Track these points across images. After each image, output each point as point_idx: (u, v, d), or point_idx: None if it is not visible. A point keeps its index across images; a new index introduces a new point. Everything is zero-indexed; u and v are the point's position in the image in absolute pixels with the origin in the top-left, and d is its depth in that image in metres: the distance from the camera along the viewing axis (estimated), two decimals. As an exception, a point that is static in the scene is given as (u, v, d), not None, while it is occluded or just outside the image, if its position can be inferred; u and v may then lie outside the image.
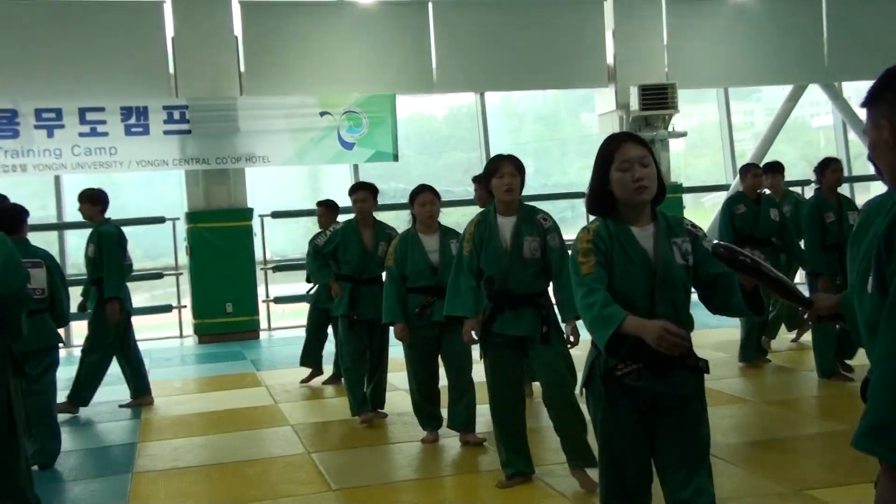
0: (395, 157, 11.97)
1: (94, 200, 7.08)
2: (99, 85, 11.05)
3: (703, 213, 14.68)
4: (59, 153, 10.84)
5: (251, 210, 11.60)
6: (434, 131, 15.72)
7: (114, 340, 7.08)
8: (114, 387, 7.56)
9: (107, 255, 6.92)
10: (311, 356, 7.95)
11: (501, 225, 4.55)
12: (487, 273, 4.54)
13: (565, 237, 4.56)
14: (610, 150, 2.83)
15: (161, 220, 11.64)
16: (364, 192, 6.37)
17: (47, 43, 10.93)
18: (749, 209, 7.43)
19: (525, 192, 4.66)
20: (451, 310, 4.71)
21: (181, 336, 11.69)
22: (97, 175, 11.13)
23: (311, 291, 7.99)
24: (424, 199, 5.53)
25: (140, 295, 12.19)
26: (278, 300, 11.76)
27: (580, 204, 13.26)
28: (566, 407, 4.47)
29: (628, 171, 2.78)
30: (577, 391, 4.27)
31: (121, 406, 7.29)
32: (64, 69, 10.93)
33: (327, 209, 7.84)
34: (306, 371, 7.97)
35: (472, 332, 4.70)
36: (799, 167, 12.90)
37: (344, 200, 6.97)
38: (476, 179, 7.05)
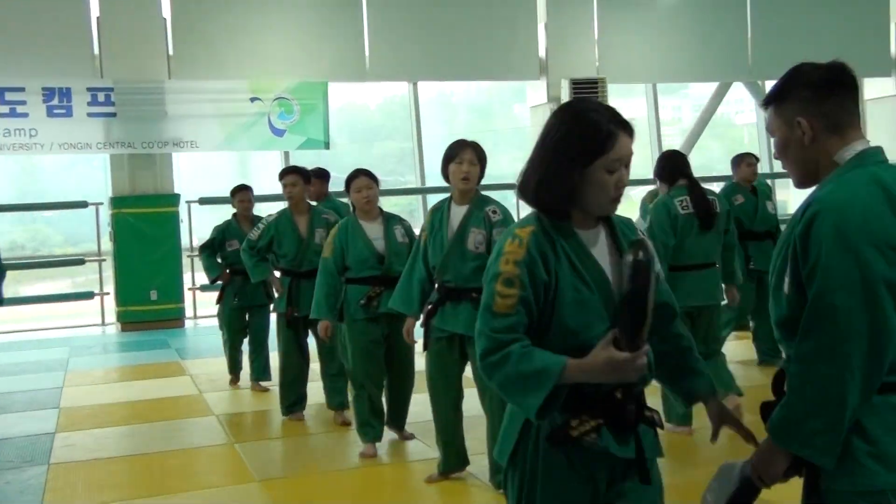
0: (327, 145, 11.87)
1: None
2: (20, 64, 10.68)
3: (631, 205, 14.94)
4: (-25, 134, 10.48)
5: (178, 196, 11.39)
6: (367, 120, 15.66)
7: None
8: (35, 375, 7.38)
9: None
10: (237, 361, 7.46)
11: (453, 213, 4.38)
12: (432, 263, 4.40)
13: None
14: (603, 140, 2.08)
15: (84, 204, 11.34)
16: (294, 175, 6.09)
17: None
18: (748, 200, 7.01)
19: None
20: (395, 303, 4.60)
21: (103, 324, 11.42)
22: (17, 156, 10.80)
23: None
24: (360, 184, 5.16)
25: (61, 281, 11.91)
26: (204, 288, 11.58)
27: (511, 195, 13.38)
28: (497, 410, 4.10)
29: (614, 174, 2.10)
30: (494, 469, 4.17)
31: None
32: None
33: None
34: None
35: (412, 331, 4.59)
36: (723, 163, 13.21)
37: (274, 188, 6.89)
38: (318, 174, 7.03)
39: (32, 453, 5.51)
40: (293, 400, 6.12)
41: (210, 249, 7.23)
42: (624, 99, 13.43)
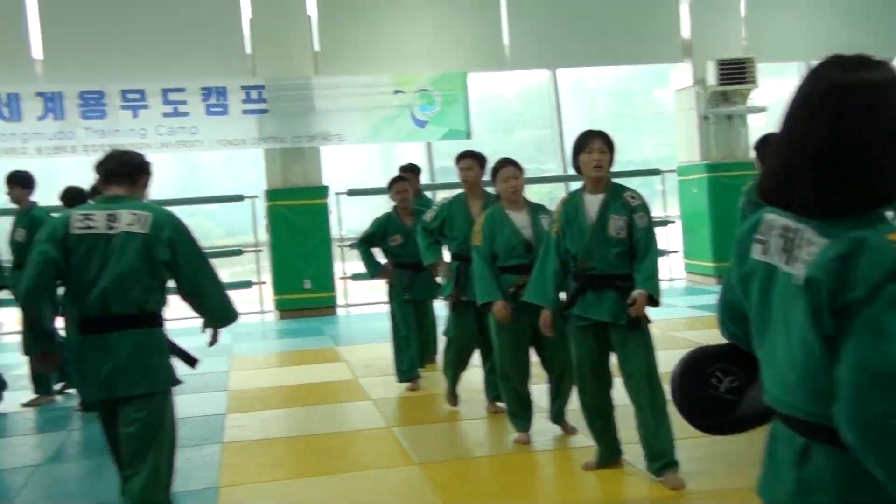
0: (468, 135, 12.01)
1: (24, 184, 6.88)
2: (181, 66, 11.32)
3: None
4: (143, 133, 11.17)
5: (326, 188, 11.79)
6: (506, 109, 15.72)
7: None
8: (204, 359, 7.80)
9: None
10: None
11: (588, 202, 4.41)
12: (572, 252, 4.42)
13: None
14: None
15: (240, 197, 11.91)
16: (470, 159, 5.84)
17: (131, 26, 11.23)
18: None
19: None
20: (530, 296, 4.65)
21: (262, 311, 12.00)
22: (179, 154, 11.45)
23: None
24: (507, 173, 5.14)
25: (222, 271, 12.52)
26: (355, 277, 11.95)
27: (656, 181, 13.16)
28: (646, 400, 4.31)
29: None
30: None
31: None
32: (147, 51, 11.22)
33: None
34: (383, 347, 7.96)
35: (550, 322, 4.57)
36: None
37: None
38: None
39: (208, 433, 5.88)
40: (452, 384, 6.07)
41: (367, 244, 6.92)
42: (775, 79, 12.93)
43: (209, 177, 13.21)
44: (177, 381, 3.66)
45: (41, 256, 3.44)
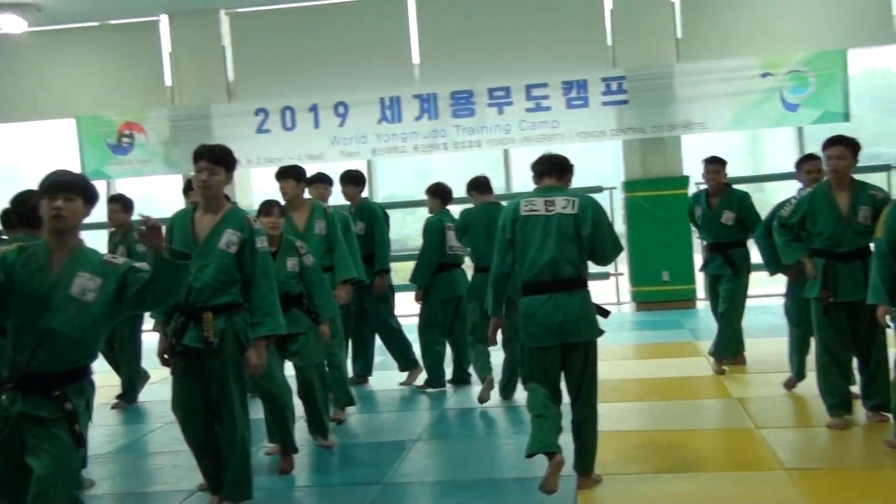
0: (846, 117, 11.02)
1: (357, 181, 7.33)
2: (543, 62, 11.65)
3: None
4: (507, 128, 11.67)
5: (687, 178, 11.47)
6: (889, 86, 14.17)
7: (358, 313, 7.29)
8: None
9: (378, 230, 7.27)
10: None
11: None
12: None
13: None
14: None
15: (598, 189, 11.99)
16: (841, 146, 5.28)
17: (498, 26, 11.79)
18: None
19: None
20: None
21: (618, 303, 11.99)
22: (540, 148, 11.79)
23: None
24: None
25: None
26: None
27: None
28: None
29: None
30: None
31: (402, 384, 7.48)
32: (512, 49, 11.70)
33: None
34: (748, 342, 7.59)
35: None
36: None
37: (787, 167, 6.56)
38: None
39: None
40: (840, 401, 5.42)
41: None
42: None
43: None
44: (601, 332, 4.56)
45: (501, 234, 4.53)
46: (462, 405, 6.77)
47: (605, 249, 4.46)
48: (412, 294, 7.41)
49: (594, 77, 11.49)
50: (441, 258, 7.11)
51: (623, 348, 8.79)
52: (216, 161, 4.24)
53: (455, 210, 7.27)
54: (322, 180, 6.96)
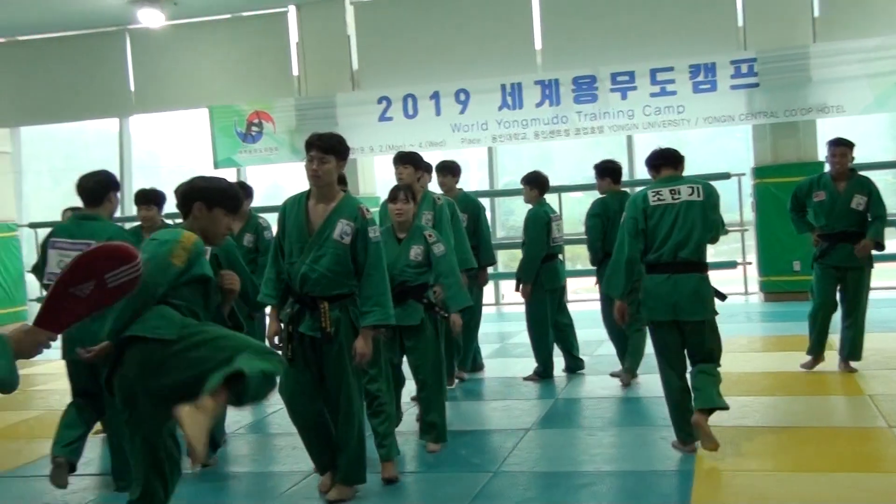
0: None
1: (454, 172, 7.23)
2: (669, 46, 11.34)
3: None
4: (631, 114, 11.42)
5: (822, 164, 10.91)
6: None
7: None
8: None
9: (483, 224, 7.21)
10: None
11: None
12: None
13: None
14: None
15: (726, 175, 11.58)
16: None
17: (622, 9, 11.54)
18: None
19: None
20: None
21: (746, 293, 11.58)
22: (665, 133, 11.50)
23: None
24: None
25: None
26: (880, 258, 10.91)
27: None
28: None
29: None
30: None
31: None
32: (636, 33, 11.44)
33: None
34: (886, 337, 7.21)
35: None
36: None
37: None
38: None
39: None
40: None
41: None
42: None
43: (693, 155, 13.04)
44: (716, 312, 4.90)
45: (632, 223, 4.88)
46: (575, 395, 6.70)
47: (718, 231, 4.98)
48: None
49: (723, 60, 11.10)
50: (547, 250, 7.06)
51: (749, 340, 8.49)
52: (326, 150, 4.25)
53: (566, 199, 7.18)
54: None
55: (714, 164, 11.98)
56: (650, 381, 6.26)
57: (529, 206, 7.21)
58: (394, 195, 5.23)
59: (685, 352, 4.93)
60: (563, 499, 4.37)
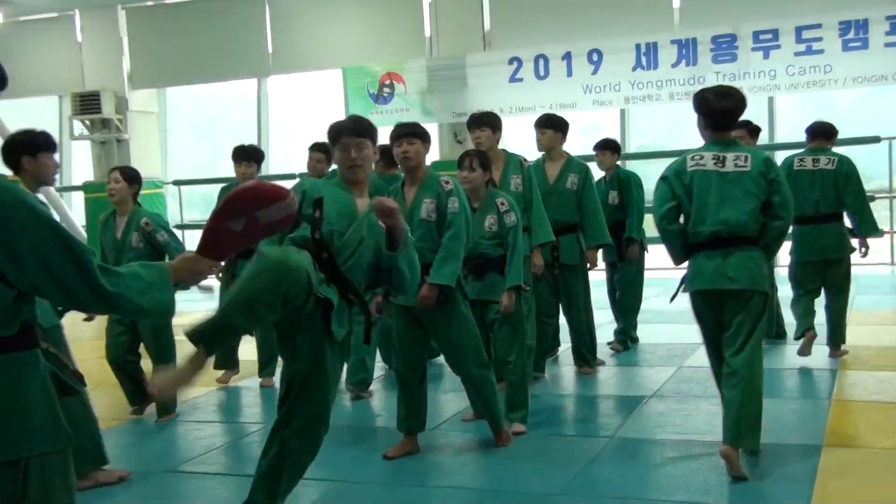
0: None
1: (615, 149, 7.04)
2: (817, 1, 10.71)
3: None
4: (773, 74, 10.88)
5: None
6: None
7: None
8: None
9: (637, 197, 6.90)
10: None
11: None
12: None
13: None
14: None
15: (876, 139, 10.92)
16: None
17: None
18: None
19: None
20: None
21: (893, 263, 10.92)
22: (811, 93, 10.91)
23: None
24: None
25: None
26: None
27: None
28: None
29: None
30: None
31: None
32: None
33: None
34: None
35: None
36: None
37: None
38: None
39: (816, 386, 5.60)
40: None
41: None
42: None
43: (840, 117, 12.34)
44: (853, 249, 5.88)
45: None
46: (702, 363, 6.49)
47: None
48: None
49: (877, 15, 10.37)
50: None
51: (892, 313, 8.02)
52: (360, 133, 3.75)
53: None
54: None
55: (864, 128, 11.29)
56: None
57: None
58: (461, 161, 4.89)
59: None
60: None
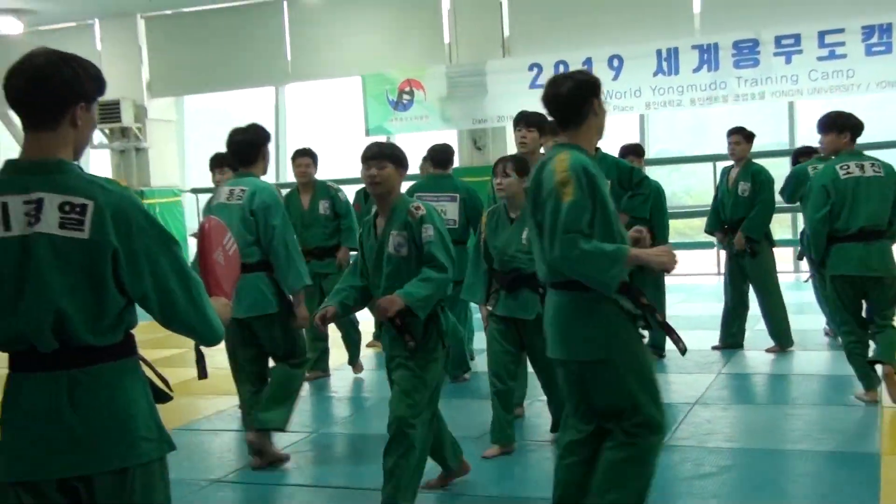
0: None
1: (748, 138, 6.96)
2: (838, 5, 10.71)
3: None
4: (795, 79, 10.87)
5: None
6: None
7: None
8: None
9: (767, 192, 6.82)
10: None
11: None
12: None
13: None
14: None
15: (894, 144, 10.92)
16: None
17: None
18: None
19: None
20: None
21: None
22: (832, 98, 10.90)
23: None
24: None
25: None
26: None
27: None
28: None
29: None
30: None
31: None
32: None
33: None
34: None
35: None
36: None
37: None
38: None
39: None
40: None
41: None
42: None
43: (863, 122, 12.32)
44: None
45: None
46: (740, 369, 6.49)
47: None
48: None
49: (900, 19, 10.40)
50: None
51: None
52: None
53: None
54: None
55: (885, 133, 11.27)
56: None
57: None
58: (494, 167, 4.56)
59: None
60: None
